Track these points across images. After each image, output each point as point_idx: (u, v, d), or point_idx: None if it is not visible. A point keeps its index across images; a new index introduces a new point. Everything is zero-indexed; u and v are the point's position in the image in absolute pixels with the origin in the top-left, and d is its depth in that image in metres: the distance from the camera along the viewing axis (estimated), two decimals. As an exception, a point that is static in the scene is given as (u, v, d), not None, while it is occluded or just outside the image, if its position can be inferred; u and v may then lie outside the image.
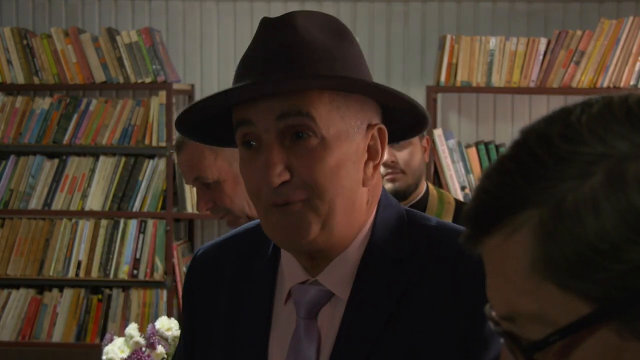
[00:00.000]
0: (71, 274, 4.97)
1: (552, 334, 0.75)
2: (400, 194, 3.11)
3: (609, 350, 0.74)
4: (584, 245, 0.73)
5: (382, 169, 3.10)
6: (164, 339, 2.65)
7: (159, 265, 4.93)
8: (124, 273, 4.95)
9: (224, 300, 1.52)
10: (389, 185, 3.11)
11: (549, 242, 0.75)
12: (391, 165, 3.10)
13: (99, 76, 4.94)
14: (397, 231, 1.44)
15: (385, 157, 3.48)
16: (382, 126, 1.44)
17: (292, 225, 1.37)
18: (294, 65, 1.36)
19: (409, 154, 3.13)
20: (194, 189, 2.56)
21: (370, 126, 1.42)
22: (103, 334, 4.78)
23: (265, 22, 1.41)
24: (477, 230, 0.80)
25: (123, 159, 4.99)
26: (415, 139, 3.16)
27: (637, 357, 0.74)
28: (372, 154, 1.43)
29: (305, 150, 1.36)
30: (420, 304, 1.39)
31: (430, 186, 3.25)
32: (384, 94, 1.43)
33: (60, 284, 5.02)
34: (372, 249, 1.43)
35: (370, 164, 1.43)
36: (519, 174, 0.77)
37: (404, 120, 1.49)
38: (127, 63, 4.92)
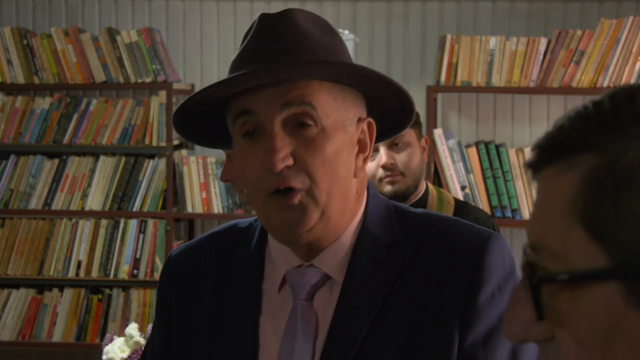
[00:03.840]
0: (71, 273, 4.97)
1: (563, 272, 0.78)
2: (400, 196, 3.10)
3: (611, 311, 0.76)
4: (624, 203, 0.76)
5: (381, 172, 3.10)
6: (164, 340, 2.65)
7: (159, 265, 4.93)
8: (124, 273, 4.95)
9: (208, 296, 1.53)
10: (388, 188, 3.10)
11: (593, 190, 0.77)
12: (390, 168, 3.10)
13: (99, 76, 4.94)
14: (387, 219, 1.50)
15: (385, 159, 3.47)
16: (371, 120, 1.49)
17: (293, 216, 1.40)
18: (292, 54, 1.41)
19: (408, 155, 3.12)
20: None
21: (360, 120, 1.47)
22: (103, 334, 4.77)
23: (264, 17, 1.45)
24: (539, 159, 0.83)
25: (123, 159, 4.99)
26: (414, 140, 3.15)
27: (634, 327, 0.76)
28: (362, 146, 1.48)
29: (306, 139, 1.40)
30: (414, 285, 1.43)
31: (430, 186, 3.24)
32: (377, 79, 1.46)
33: (61, 284, 5.02)
34: (364, 234, 1.48)
35: (360, 156, 1.48)
36: (594, 120, 0.79)
37: (390, 116, 1.54)
38: (127, 63, 4.92)
